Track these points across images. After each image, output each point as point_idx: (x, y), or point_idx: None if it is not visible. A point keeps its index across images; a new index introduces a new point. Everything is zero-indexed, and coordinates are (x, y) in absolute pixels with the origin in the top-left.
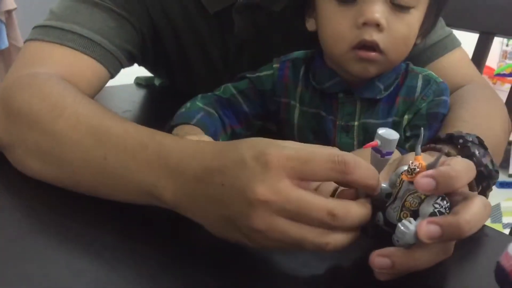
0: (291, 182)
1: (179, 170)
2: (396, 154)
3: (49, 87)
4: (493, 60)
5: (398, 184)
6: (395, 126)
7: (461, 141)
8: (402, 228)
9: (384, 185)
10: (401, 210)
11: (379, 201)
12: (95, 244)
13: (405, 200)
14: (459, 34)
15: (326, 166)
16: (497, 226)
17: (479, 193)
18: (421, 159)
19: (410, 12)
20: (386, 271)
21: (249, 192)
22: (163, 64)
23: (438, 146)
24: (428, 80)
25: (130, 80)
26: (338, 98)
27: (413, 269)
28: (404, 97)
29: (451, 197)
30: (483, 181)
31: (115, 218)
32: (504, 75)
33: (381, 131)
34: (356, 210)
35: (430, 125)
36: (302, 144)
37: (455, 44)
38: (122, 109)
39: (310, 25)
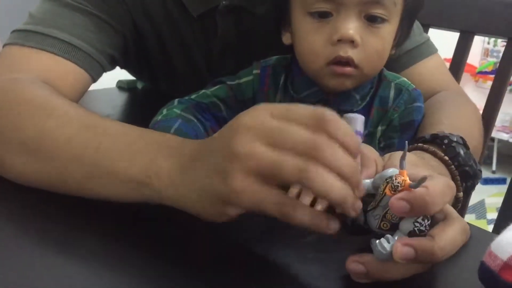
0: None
1: (179, 150)
2: (370, 151)
3: (33, 91)
4: (475, 58)
5: (381, 192)
6: (369, 137)
7: (446, 141)
8: (379, 247)
9: (367, 182)
10: (382, 220)
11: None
12: (82, 250)
13: (386, 212)
14: (439, 33)
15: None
16: (482, 223)
17: (464, 193)
18: (406, 174)
19: (383, 26)
20: (361, 277)
21: (235, 122)
22: (146, 67)
23: (426, 146)
24: (400, 89)
25: (112, 84)
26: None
27: (388, 279)
28: (378, 107)
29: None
30: (468, 181)
31: (102, 222)
32: (486, 72)
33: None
34: (341, 156)
35: (403, 135)
36: None
37: (432, 50)
38: (104, 113)
39: (286, 38)
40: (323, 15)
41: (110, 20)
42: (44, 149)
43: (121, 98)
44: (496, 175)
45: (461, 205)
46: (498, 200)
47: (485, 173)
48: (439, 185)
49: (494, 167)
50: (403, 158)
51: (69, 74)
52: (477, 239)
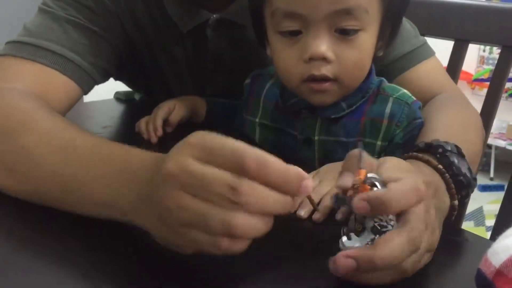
0: (197, 160)
1: (139, 176)
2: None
3: (19, 103)
4: (471, 65)
5: None
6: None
7: (440, 150)
8: (340, 245)
9: None
10: (355, 222)
11: None
12: (82, 264)
13: (356, 214)
14: (434, 41)
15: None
16: (481, 230)
17: (458, 202)
18: (363, 173)
19: (358, 36)
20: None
21: (163, 168)
22: (141, 79)
23: (420, 155)
24: (399, 103)
25: (110, 95)
26: (300, 113)
27: (364, 283)
28: (372, 119)
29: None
30: (463, 190)
31: (100, 238)
32: (482, 80)
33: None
34: (265, 193)
35: (405, 150)
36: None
37: (429, 53)
38: (101, 124)
39: (269, 51)
40: (293, 33)
41: (103, 33)
42: (20, 166)
43: (118, 110)
44: (494, 182)
45: (456, 213)
46: (497, 207)
47: (483, 180)
48: (402, 186)
49: (492, 174)
50: (359, 158)
51: (59, 86)
52: (474, 246)
